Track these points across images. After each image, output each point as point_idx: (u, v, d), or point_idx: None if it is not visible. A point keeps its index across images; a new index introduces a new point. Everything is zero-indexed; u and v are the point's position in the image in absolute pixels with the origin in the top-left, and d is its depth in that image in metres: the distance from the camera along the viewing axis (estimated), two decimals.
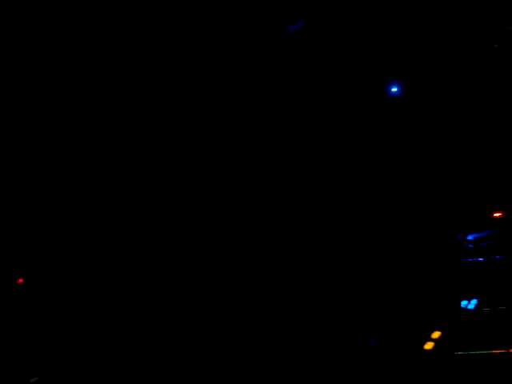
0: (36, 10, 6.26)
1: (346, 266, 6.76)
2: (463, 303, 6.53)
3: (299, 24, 10.67)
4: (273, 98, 9.73)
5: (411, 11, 10.35)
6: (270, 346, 5.65)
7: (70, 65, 6.50)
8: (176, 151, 7.27)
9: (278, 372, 5.46)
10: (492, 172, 8.28)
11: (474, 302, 6.50)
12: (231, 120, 8.84)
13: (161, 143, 7.20)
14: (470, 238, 7.75)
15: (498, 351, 5.58)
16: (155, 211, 6.57)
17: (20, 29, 6.21)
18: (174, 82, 7.90)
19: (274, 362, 5.52)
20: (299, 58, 10.58)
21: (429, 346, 6.09)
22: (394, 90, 9.80)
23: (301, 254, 6.72)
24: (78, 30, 6.68)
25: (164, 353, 5.42)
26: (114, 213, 6.34)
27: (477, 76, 9.79)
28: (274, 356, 5.57)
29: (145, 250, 6.25)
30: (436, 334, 6.18)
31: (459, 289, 6.79)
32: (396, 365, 5.77)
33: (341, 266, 6.72)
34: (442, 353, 5.99)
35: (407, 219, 7.68)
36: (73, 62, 6.50)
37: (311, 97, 10.29)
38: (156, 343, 5.46)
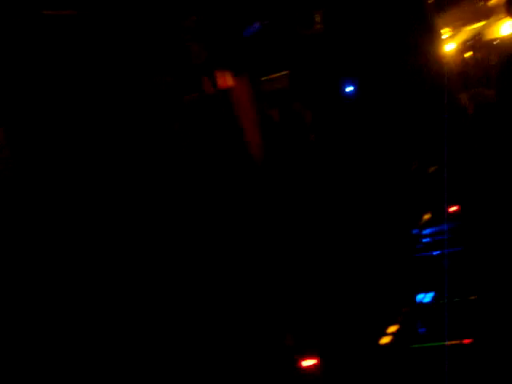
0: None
1: (298, 262, 6.73)
2: (419, 297, 6.53)
3: (255, 27, 10.64)
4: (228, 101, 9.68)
5: (365, 10, 10.44)
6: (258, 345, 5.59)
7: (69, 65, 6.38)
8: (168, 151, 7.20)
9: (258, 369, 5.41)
10: (449, 167, 8.35)
11: (430, 295, 6.50)
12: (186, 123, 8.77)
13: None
14: (425, 232, 7.80)
15: (453, 342, 5.58)
16: (153, 210, 6.48)
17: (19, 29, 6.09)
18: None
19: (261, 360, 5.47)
20: (255, 61, 10.55)
21: (385, 340, 6.05)
22: (349, 89, 9.90)
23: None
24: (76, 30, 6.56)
25: (163, 353, 5.32)
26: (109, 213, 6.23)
27: (425, 66, 9.92)
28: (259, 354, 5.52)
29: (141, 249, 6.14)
30: (392, 328, 6.15)
31: (415, 283, 6.79)
32: (352, 361, 5.73)
33: (292, 261, 6.68)
34: (399, 346, 5.96)
35: (361, 215, 7.69)
36: (72, 62, 6.38)
37: (269, 99, 10.27)
38: (154, 343, 5.36)
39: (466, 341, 5.35)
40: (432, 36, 11.36)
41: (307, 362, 5.36)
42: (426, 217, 8.01)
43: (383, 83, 10.23)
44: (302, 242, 7.34)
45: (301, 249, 7.21)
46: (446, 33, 14.31)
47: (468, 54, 14.33)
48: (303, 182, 8.21)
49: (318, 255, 7.23)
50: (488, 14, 13.94)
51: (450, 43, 14.26)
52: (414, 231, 7.82)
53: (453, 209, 7.75)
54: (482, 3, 13.92)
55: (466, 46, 14.40)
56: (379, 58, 10.30)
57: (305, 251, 7.21)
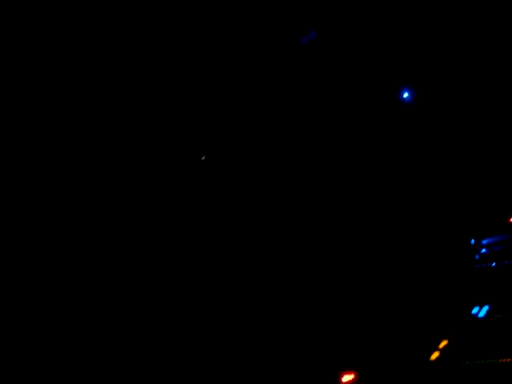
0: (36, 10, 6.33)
1: (354, 269, 6.57)
2: (474, 310, 6.22)
3: (311, 35, 10.58)
4: (287, 106, 9.65)
5: (422, 20, 10.13)
6: (266, 346, 5.51)
7: (70, 65, 6.54)
8: (177, 151, 7.25)
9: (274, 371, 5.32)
10: (508, 177, 7.95)
11: (485, 308, 6.18)
12: (243, 130, 8.80)
13: (160, 143, 7.18)
14: (483, 242, 7.43)
15: (506, 360, 5.27)
16: (154, 211, 6.53)
17: (20, 29, 6.29)
18: (184, 96, 7.91)
19: (270, 361, 5.38)
20: (312, 68, 10.51)
21: (435, 355, 5.80)
22: (406, 95, 9.58)
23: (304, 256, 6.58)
24: (77, 29, 6.73)
25: (163, 353, 5.34)
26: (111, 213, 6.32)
27: (490, 82, 9.47)
28: (271, 355, 5.43)
29: (144, 249, 6.20)
30: (443, 343, 5.88)
31: (470, 295, 6.48)
32: (401, 374, 5.51)
33: (347, 269, 6.53)
34: (448, 363, 5.69)
35: (420, 223, 7.42)
36: (73, 61, 6.54)
37: (325, 106, 10.17)
38: (155, 343, 5.38)
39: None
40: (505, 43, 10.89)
41: (347, 377, 5.20)
42: (485, 227, 7.63)
43: (446, 91, 9.89)
44: (359, 248, 7.18)
45: (354, 255, 7.05)
46: None
47: None
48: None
49: (371, 261, 7.04)
50: None
51: None
52: (472, 241, 7.47)
53: None
54: None
55: None
56: (441, 64, 9.97)
57: (357, 257, 7.04)
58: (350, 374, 5.17)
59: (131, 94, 6.82)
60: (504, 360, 5.34)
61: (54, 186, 6.02)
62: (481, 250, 7.16)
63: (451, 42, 9.41)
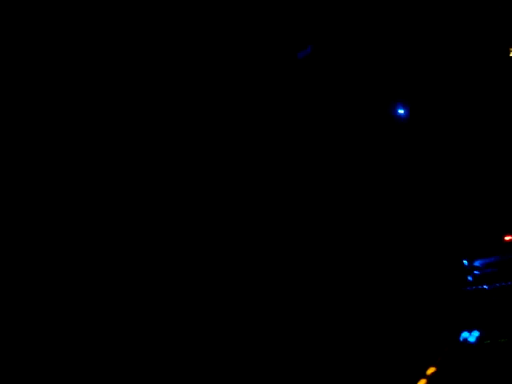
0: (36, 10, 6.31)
1: (342, 288, 6.44)
2: (464, 335, 6.03)
3: (307, 50, 10.55)
4: (283, 122, 9.60)
5: (417, 35, 10.03)
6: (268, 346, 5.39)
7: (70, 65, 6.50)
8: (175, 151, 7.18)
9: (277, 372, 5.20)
10: (503, 196, 7.79)
11: (475, 333, 5.99)
12: (240, 147, 8.75)
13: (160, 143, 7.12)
14: (476, 263, 7.23)
15: None
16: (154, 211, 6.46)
17: (20, 29, 6.27)
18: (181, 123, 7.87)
19: (272, 362, 5.26)
20: (309, 83, 10.48)
21: (422, 383, 5.61)
22: (401, 111, 9.46)
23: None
24: (77, 30, 6.69)
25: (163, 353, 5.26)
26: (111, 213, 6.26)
27: (487, 100, 9.33)
28: (273, 356, 5.31)
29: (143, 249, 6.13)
30: (431, 370, 5.70)
31: (461, 319, 6.29)
32: None
33: (336, 288, 6.39)
34: None
35: (410, 242, 7.27)
36: (73, 61, 6.50)
37: (321, 120, 10.10)
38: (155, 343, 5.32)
39: None
40: (502, 56, 10.77)
41: None
42: (478, 247, 7.44)
43: (442, 107, 9.77)
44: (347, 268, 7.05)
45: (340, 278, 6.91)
46: None
47: None
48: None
49: (359, 280, 6.89)
50: None
51: None
52: (465, 262, 7.27)
53: (508, 238, 7.17)
54: None
55: None
56: (438, 79, 9.87)
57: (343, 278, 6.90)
58: None
59: (131, 94, 6.77)
60: None
61: (54, 186, 5.97)
62: (474, 271, 6.97)
63: (445, 59, 9.32)
